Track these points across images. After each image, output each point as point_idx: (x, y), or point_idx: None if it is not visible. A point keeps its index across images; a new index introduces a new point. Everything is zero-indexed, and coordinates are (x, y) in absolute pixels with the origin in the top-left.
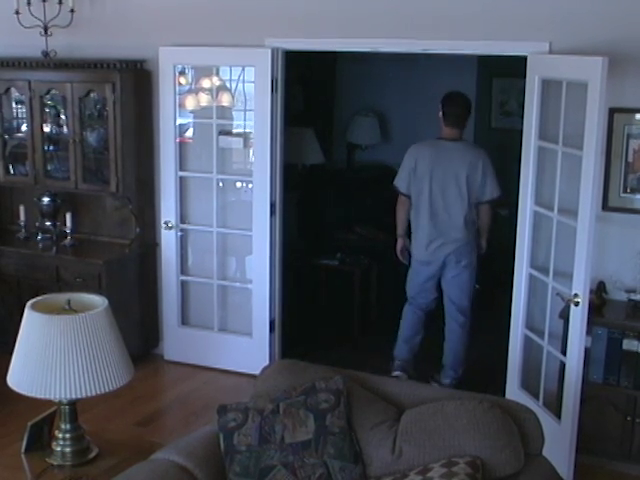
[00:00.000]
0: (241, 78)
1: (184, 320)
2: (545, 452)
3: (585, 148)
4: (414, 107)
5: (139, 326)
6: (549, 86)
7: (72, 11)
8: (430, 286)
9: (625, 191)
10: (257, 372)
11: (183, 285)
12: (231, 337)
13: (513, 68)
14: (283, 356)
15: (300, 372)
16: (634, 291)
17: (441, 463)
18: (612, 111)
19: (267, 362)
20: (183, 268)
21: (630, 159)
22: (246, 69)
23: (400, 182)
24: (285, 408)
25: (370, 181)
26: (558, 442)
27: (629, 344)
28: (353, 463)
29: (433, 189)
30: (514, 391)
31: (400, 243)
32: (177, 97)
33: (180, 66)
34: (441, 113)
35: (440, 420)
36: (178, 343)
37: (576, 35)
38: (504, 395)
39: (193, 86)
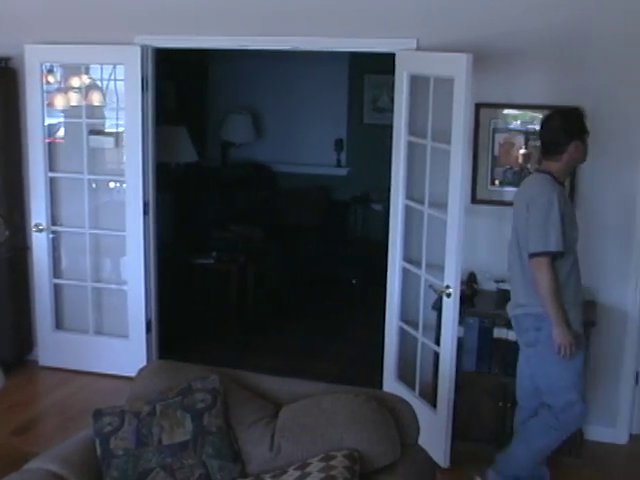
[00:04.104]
0: (112, 76)
1: (58, 324)
2: (423, 441)
3: (453, 143)
4: (288, 104)
5: (11, 332)
6: (417, 82)
7: None
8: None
9: (492, 184)
10: (135, 374)
11: (56, 288)
12: (107, 340)
13: (384, 65)
14: (161, 357)
15: (176, 372)
16: (503, 281)
17: (319, 457)
18: (478, 106)
19: (145, 364)
20: (56, 271)
21: (496, 153)
22: (117, 67)
23: None
24: (162, 409)
25: (244, 179)
26: (435, 431)
27: (499, 332)
28: (232, 462)
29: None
30: (391, 383)
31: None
32: (45, 96)
33: (48, 64)
34: None
35: (317, 415)
36: (53, 348)
37: (442, 32)
38: (382, 388)
39: (62, 85)
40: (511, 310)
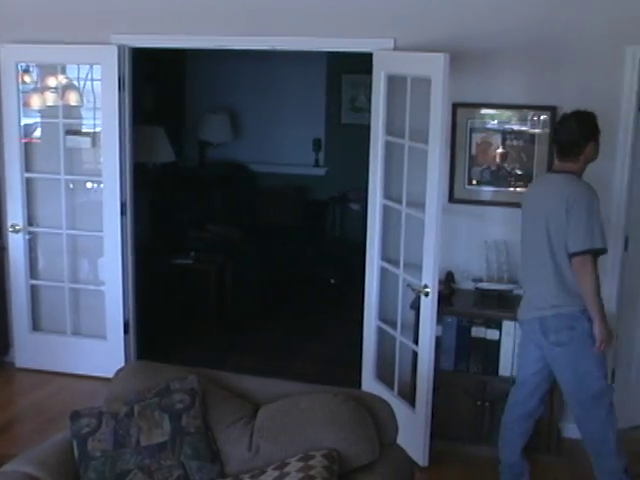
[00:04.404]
0: (89, 76)
1: (35, 325)
2: (401, 440)
3: (430, 142)
4: (265, 103)
5: None
6: (395, 82)
7: None
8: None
9: (470, 183)
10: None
11: (33, 289)
12: (85, 341)
13: (361, 64)
14: (140, 358)
15: (154, 373)
16: (481, 280)
17: (298, 457)
18: (455, 106)
19: (123, 364)
20: (33, 272)
21: (474, 152)
22: (94, 67)
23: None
24: (140, 410)
25: (222, 179)
26: (413, 430)
27: (477, 331)
28: (210, 462)
29: (525, 235)
30: (370, 383)
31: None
32: (21, 96)
33: (24, 64)
34: None
35: (296, 415)
36: (30, 349)
37: (419, 32)
38: (361, 387)
39: (39, 85)
40: (531, 312)
